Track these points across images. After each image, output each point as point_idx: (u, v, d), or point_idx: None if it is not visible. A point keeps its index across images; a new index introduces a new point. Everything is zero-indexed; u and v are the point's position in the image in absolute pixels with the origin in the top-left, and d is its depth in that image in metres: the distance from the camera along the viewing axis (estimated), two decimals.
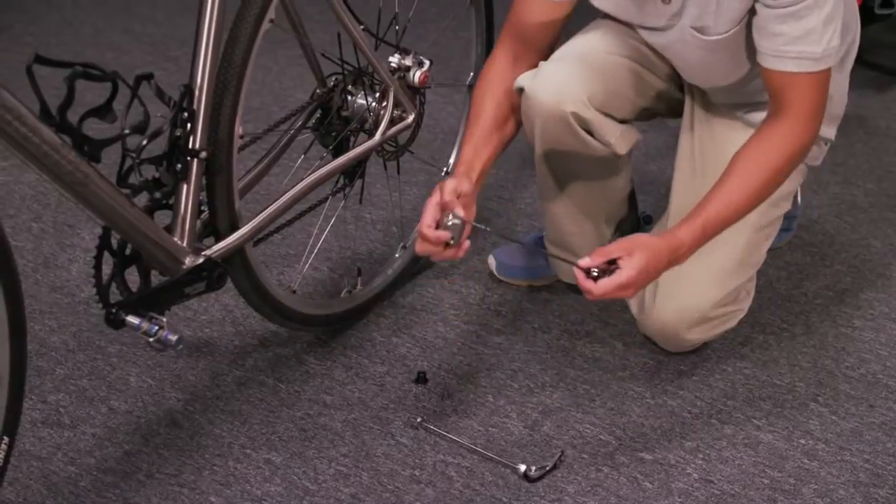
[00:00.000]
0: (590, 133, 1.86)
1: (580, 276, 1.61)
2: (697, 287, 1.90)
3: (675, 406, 1.89)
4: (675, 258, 1.68)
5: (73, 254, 2.24)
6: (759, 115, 1.82)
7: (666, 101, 1.99)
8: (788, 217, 2.29)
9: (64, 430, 1.79)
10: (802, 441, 1.83)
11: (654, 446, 1.80)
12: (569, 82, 1.81)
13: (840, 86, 1.91)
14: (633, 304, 1.99)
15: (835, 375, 1.98)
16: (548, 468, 1.74)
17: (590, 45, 1.89)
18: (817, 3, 1.62)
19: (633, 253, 1.61)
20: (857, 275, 2.25)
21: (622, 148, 1.92)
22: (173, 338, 1.54)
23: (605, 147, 1.90)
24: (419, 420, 1.82)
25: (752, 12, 1.69)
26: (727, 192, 1.72)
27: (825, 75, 1.69)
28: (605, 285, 1.60)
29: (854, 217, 2.44)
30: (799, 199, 2.31)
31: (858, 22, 1.89)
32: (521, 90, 1.83)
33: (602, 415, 1.86)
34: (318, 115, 1.90)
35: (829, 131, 1.95)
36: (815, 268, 2.27)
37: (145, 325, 1.55)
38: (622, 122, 1.90)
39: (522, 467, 1.73)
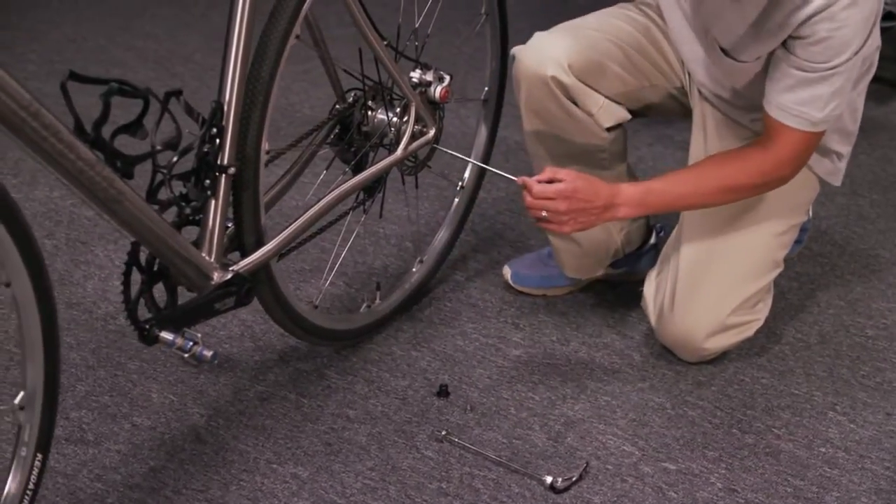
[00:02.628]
0: (574, 102, 1.92)
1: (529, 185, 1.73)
2: (716, 294, 1.93)
3: (695, 416, 1.91)
4: (610, 207, 1.77)
5: (88, 270, 2.23)
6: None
7: (662, 95, 2.02)
8: (800, 229, 2.32)
9: (88, 447, 1.79)
10: (823, 449, 1.84)
11: (677, 456, 1.82)
12: (552, 49, 1.90)
13: (852, 102, 1.93)
14: (652, 314, 2.01)
15: (851, 384, 2.00)
16: (574, 479, 1.75)
17: (586, 23, 1.97)
18: (831, 76, 1.67)
19: (579, 177, 1.74)
20: (867, 284, 2.27)
21: (605, 120, 1.96)
22: (208, 353, 1.55)
23: (588, 117, 1.94)
24: (444, 433, 1.82)
25: (772, 53, 1.73)
26: (681, 179, 1.83)
27: (818, 136, 1.77)
28: (542, 188, 1.72)
29: (862, 227, 2.47)
30: (809, 210, 2.33)
31: (879, 44, 1.91)
32: (513, 58, 1.95)
33: (624, 426, 1.88)
34: (337, 130, 1.91)
35: (842, 147, 1.97)
36: (827, 278, 2.29)
37: (180, 341, 1.55)
38: (612, 101, 1.95)
39: (549, 479, 1.74)
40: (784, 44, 1.69)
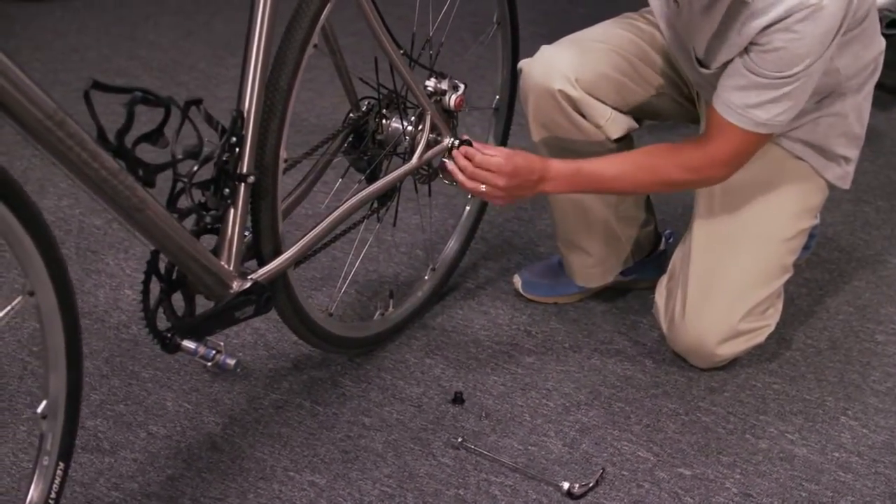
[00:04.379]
0: (582, 115, 1.93)
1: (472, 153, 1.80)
2: (726, 301, 1.94)
3: (709, 422, 1.91)
4: (541, 181, 1.80)
5: (99, 279, 2.23)
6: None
7: (669, 103, 2.03)
8: (808, 235, 2.33)
9: (104, 456, 1.79)
10: (836, 454, 1.85)
11: (692, 462, 1.82)
12: (559, 63, 1.92)
13: (858, 106, 1.95)
14: (663, 321, 2.02)
15: (862, 390, 2.01)
16: (590, 485, 1.76)
17: (591, 34, 1.99)
18: (783, 84, 1.67)
19: (515, 154, 1.79)
20: (875, 290, 2.29)
21: (613, 132, 1.98)
22: (231, 361, 1.55)
23: (596, 129, 1.95)
24: (460, 440, 1.83)
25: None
26: (611, 163, 1.85)
27: (759, 139, 1.75)
28: (485, 159, 1.78)
29: (868, 234, 2.48)
30: (818, 216, 2.35)
31: (883, 48, 1.92)
32: (520, 71, 1.97)
33: (638, 432, 1.88)
34: (351, 139, 1.91)
35: (849, 152, 1.99)
36: (835, 284, 2.30)
37: (202, 350, 1.55)
38: (619, 111, 1.97)
39: (566, 485, 1.75)
40: (744, 48, 1.70)
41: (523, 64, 1.97)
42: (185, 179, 1.54)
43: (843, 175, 2.01)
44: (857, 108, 1.95)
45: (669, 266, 2.05)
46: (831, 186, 2.01)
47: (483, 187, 1.79)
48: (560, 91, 1.91)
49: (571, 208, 2.09)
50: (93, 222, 2.41)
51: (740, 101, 1.71)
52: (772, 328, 2.01)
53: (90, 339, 2.06)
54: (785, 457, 1.84)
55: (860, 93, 1.94)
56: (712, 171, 1.81)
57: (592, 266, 2.15)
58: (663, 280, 2.05)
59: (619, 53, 1.95)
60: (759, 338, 2.00)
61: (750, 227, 1.95)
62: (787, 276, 2.00)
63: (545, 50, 1.95)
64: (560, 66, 1.91)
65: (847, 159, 2.00)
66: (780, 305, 2.02)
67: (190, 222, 1.61)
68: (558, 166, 1.82)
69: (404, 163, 1.91)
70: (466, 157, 1.80)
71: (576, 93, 1.91)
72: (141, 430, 1.85)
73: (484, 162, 1.78)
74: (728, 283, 1.94)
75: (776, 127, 1.74)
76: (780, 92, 1.68)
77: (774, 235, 1.96)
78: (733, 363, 2.04)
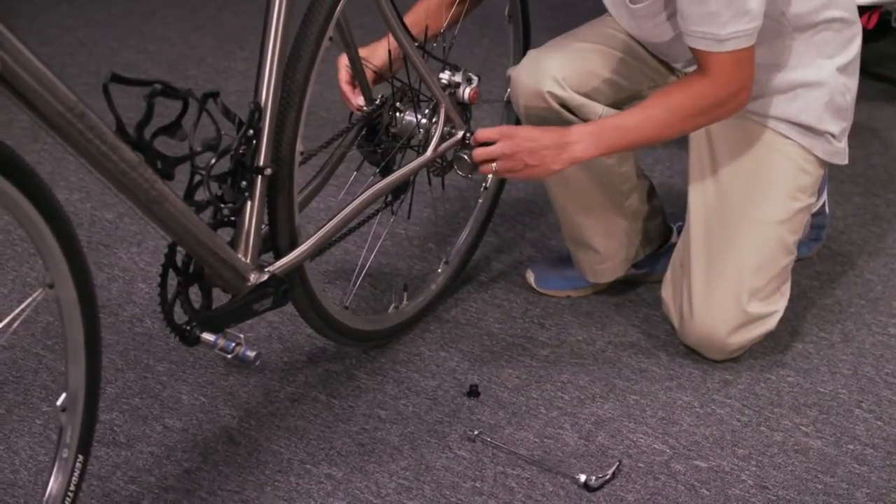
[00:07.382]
0: (573, 114, 1.95)
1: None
2: (731, 290, 1.94)
3: (723, 414, 1.92)
4: (564, 146, 1.80)
5: (112, 273, 2.24)
6: (761, 102, 1.91)
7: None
8: (817, 227, 2.34)
9: (121, 449, 1.79)
10: (851, 446, 1.86)
11: (708, 454, 1.83)
12: (546, 65, 1.95)
13: (836, 79, 1.92)
14: (674, 317, 2.02)
15: (876, 382, 2.01)
16: (607, 477, 1.76)
17: (578, 34, 2.03)
18: None
19: (510, 137, 1.82)
20: (887, 283, 2.29)
21: None
22: (252, 354, 1.55)
23: None
24: (476, 433, 1.83)
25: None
26: (630, 114, 1.85)
27: (737, 55, 1.75)
28: (484, 130, 1.84)
29: (879, 227, 2.48)
30: (827, 209, 2.35)
31: (858, 17, 1.93)
32: (509, 78, 2.01)
33: (654, 424, 1.89)
34: (364, 132, 1.91)
35: (835, 126, 1.95)
36: (846, 276, 2.31)
37: (222, 342, 1.55)
38: (610, 107, 1.97)
39: (582, 477, 1.75)
40: None
41: (511, 71, 1.99)
42: (203, 172, 1.54)
43: (834, 152, 1.98)
44: (837, 82, 1.92)
45: (671, 262, 2.05)
46: (831, 166, 2.01)
47: (494, 165, 1.81)
48: (549, 92, 1.93)
49: (574, 207, 2.09)
50: (104, 216, 2.41)
51: (692, 22, 1.73)
52: (780, 313, 2.00)
53: (104, 332, 2.01)
54: (800, 449, 1.85)
55: (831, 59, 1.91)
56: (721, 87, 1.79)
57: (601, 263, 2.15)
58: (668, 276, 2.05)
59: (605, 50, 1.98)
60: (770, 324, 1.99)
61: (744, 212, 1.94)
62: (790, 258, 1.99)
63: (531, 54, 1.98)
64: (547, 68, 1.93)
65: (834, 135, 1.96)
66: (787, 290, 2.01)
67: (207, 215, 1.62)
68: (580, 127, 1.83)
69: (418, 156, 1.91)
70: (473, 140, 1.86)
71: (564, 93, 1.93)
72: (157, 424, 1.85)
73: (484, 134, 1.82)
74: (730, 272, 1.94)
75: (742, 39, 1.73)
76: (711, 5, 1.69)
77: (770, 218, 1.95)
78: (746, 355, 2.04)
